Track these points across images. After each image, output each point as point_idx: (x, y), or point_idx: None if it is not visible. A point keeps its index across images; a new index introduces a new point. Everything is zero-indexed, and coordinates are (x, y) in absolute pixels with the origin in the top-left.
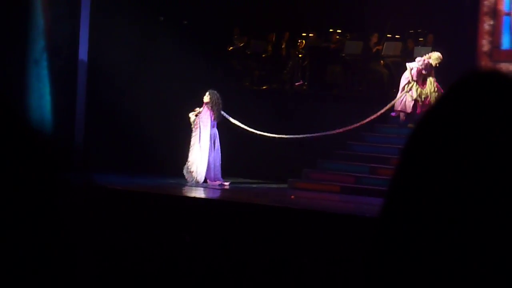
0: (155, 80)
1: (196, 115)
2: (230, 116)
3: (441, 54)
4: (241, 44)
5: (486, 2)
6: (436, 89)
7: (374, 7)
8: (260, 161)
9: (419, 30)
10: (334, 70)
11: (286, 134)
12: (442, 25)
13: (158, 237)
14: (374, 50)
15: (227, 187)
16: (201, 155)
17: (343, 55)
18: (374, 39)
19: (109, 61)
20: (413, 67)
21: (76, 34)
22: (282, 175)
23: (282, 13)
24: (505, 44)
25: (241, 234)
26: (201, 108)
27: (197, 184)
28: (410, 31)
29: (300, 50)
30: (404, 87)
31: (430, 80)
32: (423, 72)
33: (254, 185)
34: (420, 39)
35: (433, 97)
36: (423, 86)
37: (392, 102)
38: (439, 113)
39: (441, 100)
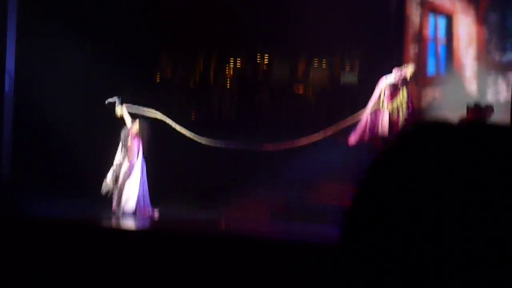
0: (81, 105)
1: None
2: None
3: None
4: (168, 72)
5: (411, 28)
6: (407, 101)
7: (301, 31)
8: (189, 186)
9: (344, 57)
10: (262, 97)
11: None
12: (368, 50)
13: (91, 271)
14: (300, 77)
15: (156, 215)
16: (131, 185)
17: (270, 82)
18: (302, 66)
19: (36, 81)
20: (387, 80)
21: (3, 52)
22: (212, 202)
23: (208, 37)
24: (430, 70)
25: (172, 263)
26: (128, 139)
27: (125, 213)
28: (336, 58)
29: (228, 78)
30: (375, 102)
31: (404, 93)
32: (399, 84)
33: (184, 213)
34: (346, 65)
35: (403, 109)
36: (392, 100)
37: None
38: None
39: (390, 151)
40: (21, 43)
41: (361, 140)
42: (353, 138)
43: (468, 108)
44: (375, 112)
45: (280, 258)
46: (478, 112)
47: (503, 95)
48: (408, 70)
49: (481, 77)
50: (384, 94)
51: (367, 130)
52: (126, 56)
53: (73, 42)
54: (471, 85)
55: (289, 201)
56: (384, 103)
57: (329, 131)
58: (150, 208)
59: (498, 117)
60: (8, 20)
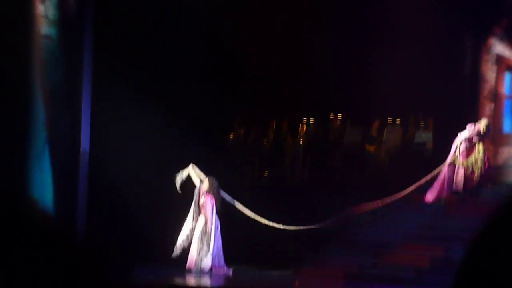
0: (156, 171)
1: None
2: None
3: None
4: (242, 132)
5: (486, 86)
6: (482, 157)
7: (375, 93)
8: (263, 247)
9: (419, 114)
10: (335, 157)
11: (289, 223)
12: (442, 109)
13: None
14: (374, 135)
15: (231, 274)
16: (207, 242)
17: (344, 142)
18: (375, 125)
19: (110, 151)
20: (462, 135)
21: (77, 125)
22: (285, 262)
23: (281, 100)
24: (506, 127)
25: None
26: (200, 198)
27: (202, 272)
28: (411, 116)
29: (300, 139)
30: (451, 159)
31: (479, 148)
32: (474, 139)
33: (257, 272)
34: (421, 123)
35: (478, 165)
36: (468, 156)
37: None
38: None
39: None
40: (95, 110)
41: (438, 197)
42: (429, 195)
43: None
44: (451, 168)
45: None
46: None
47: None
48: (482, 124)
49: None
50: (459, 150)
51: (444, 186)
52: (199, 125)
53: (147, 110)
54: None
55: (363, 264)
56: (459, 159)
57: (404, 192)
58: (225, 267)
59: None
60: (83, 88)
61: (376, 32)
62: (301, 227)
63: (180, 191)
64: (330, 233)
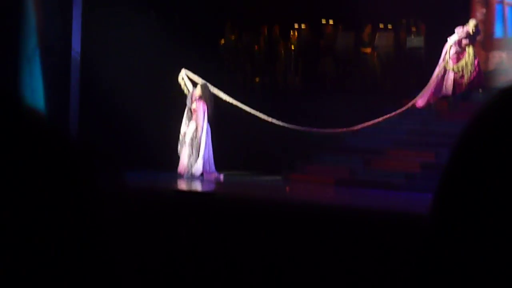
0: (147, 74)
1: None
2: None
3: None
4: (233, 38)
5: None
6: (473, 61)
7: None
8: (254, 153)
9: (411, 20)
10: (327, 62)
11: (281, 127)
12: (434, 15)
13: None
14: (366, 40)
15: (221, 179)
16: (197, 148)
17: (335, 47)
18: (367, 30)
19: (101, 56)
20: (451, 40)
21: (69, 30)
22: (276, 167)
23: (273, 5)
24: (497, 32)
25: (237, 228)
26: (192, 103)
27: (193, 177)
28: (402, 21)
29: (292, 43)
30: (442, 64)
31: (469, 52)
32: (463, 41)
33: (248, 178)
34: (412, 29)
35: (469, 69)
36: (458, 60)
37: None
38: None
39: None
40: (86, 15)
41: (428, 102)
42: (420, 101)
43: None
44: (441, 73)
45: (345, 224)
46: None
47: None
48: (470, 25)
49: None
50: (449, 55)
51: (434, 91)
52: (191, 27)
53: (139, 12)
54: None
55: (354, 169)
56: (449, 63)
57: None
58: (216, 172)
59: None
60: (74, 4)
61: None
62: (296, 127)
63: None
64: (321, 140)
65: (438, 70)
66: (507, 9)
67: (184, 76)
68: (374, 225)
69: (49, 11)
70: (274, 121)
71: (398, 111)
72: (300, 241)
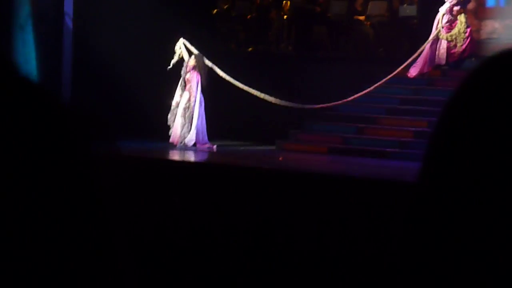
0: (141, 43)
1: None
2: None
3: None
4: (226, 6)
5: None
6: (465, 29)
7: None
8: (246, 123)
9: None
10: (320, 30)
11: (274, 96)
12: None
13: (151, 201)
14: (359, 9)
15: (215, 149)
16: (190, 119)
17: (329, 15)
18: None
19: (94, 23)
20: (442, 9)
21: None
22: (269, 136)
23: None
24: (489, 1)
25: (231, 196)
26: (187, 73)
27: (186, 147)
28: None
29: (285, 11)
30: (434, 33)
31: (461, 20)
32: (455, 8)
33: (242, 147)
34: None
35: (462, 37)
36: (451, 29)
37: (416, 55)
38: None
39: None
40: None
41: (421, 72)
42: (413, 70)
43: None
44: (434, 43)
45: (339, 191)
46: None
47: None
48: None
49: None
50: (442, 24)
51: (427, 61)
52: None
53: None
54: None
55: (346, 138)
56: (442, 32)
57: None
58: (208, 143)
59: None
60: None
61: None
62: (288, 103)
63: (174, 63)
64: (313, 108)
65: (430, 40)
66: None
67: (182, 46)
68: (367, 194)
69: None
70: (267, 97)
71: (388, 77)
72: (293, 208)
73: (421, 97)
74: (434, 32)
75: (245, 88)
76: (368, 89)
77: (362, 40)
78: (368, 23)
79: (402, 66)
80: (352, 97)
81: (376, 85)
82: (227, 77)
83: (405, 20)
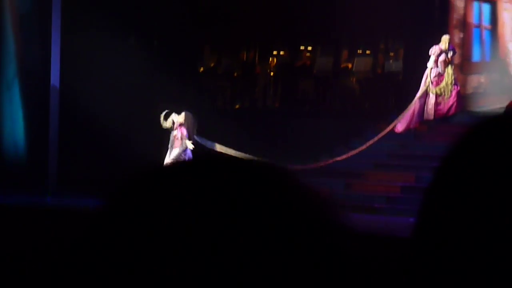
0: (128, 100)
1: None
2: (204, 137)
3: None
4: (212, 64)
5: (455, 15)
6: (452, 81)
7: (344, 23)
8: None
9: (389, 45)
10: (306, 86)
11: (262, 155)
12: (412, 40)
13: None
14: (344, 66)
15: None
16: None
17: (314, 71)
18: (345, 55)
19: (81, 83)
20: (429, 63)
21: (48, 57)
22: None
23: (252, 31)
24: (475, 56)
25: None
26: (174, 131)
27: None
28: (381, 46)
29: (271, 68)
30: (423, 88)
31: (448, 72)
32: (440, 59)
33: None
34: (391, 54)
35: (449, 89)
36: (439, 82)
37: (410, 108)
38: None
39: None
40: (65, 43)
41: (408, 127)
42: (400, 126)
43: None
44: (423, 98)
45: None
46: None
47: None
48: (443, 42)
49: None
50: (430, 78)
51: (415, 116)
52: (170, 52)
53: (118, 38)
54: None
55: (334, 192)
56: (430, 87)
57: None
58: None
59: None
60: (53, 18)
61: None
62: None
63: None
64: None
65: (419, 95)
66: (484, 32)
67: (170, 121)
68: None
69: (28, 37)
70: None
71: (380, 135)
72: None
73: (408, 152)
74: (423, 87)
75: (238, 154)
76: (360, 148)
77: (348, 96)
78: (354, 78)
79: (395, 122)
80: (345, 156)
81: (369, 142)
82: (225, 149)
83: (390, 75)
